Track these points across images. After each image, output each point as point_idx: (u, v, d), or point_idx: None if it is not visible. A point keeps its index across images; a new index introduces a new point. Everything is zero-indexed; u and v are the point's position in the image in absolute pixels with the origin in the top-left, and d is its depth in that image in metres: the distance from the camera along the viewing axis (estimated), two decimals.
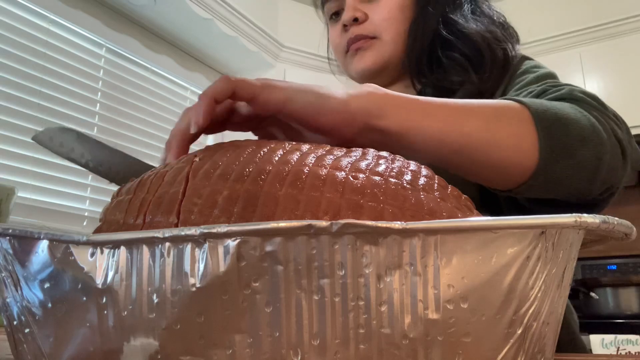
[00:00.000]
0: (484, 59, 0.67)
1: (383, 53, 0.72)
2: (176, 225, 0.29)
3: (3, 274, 0.29)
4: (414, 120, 0.42)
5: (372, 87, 0.43)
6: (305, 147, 0.33)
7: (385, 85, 0.73)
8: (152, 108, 1.94)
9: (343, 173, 0.30)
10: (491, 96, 0.65)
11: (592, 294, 2.12)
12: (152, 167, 0.41)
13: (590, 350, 1.65)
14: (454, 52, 0.69)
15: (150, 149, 1.92)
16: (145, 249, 0.25)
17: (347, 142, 0.42)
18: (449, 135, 0.43)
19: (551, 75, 0.62)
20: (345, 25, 0.74)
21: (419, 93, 0.71)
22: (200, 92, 0.39)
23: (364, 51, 0.73)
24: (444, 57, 0.70)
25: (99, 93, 1.74)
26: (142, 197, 0.32)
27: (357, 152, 0.34)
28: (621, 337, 1.68)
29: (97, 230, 0.32)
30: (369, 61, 0.73)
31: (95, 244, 0.25)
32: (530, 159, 0.45)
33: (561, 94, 0.53)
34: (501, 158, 0.45)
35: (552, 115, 0.47)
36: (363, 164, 0.31)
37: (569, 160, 0.46)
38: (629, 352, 1.64)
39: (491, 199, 0.59)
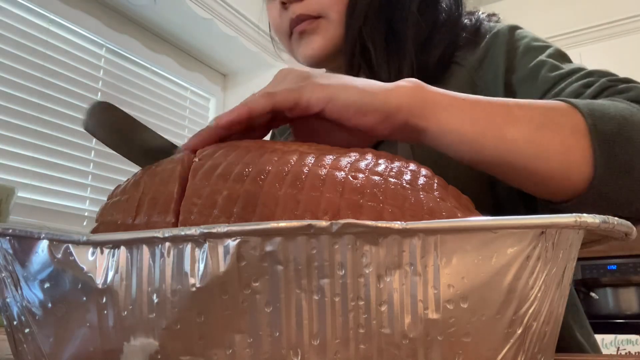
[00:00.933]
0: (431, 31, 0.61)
1: (332, 35, 0.63)
2: (173, 225, 0.29)
3: (3, 274, 0.29)
4: (454, 122, 0.40)
5: (412, 83, 0.41)
6: (304, 147, 0.33)
7: (336, 70, 0.68)
8: (152, 108, 1.94)
9: (342, 173, 0.30)
10: (478, 72, 0.60)
11: (592, 294, 2.12)
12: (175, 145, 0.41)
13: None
14: (398, 25, 0.62)
15: None
16: (145, 248, 0.25)
17: (384, 138, 0.41)
18: (489, 141, 0.40)
19: (564, 55, 0.57)
20: (283, 3, 0.64)
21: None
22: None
23: (310, 35, 0.64)
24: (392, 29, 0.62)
25: (99, 93, 1.74)
26: (137, 197, 0.32)
27: (357, 152, 0.34)
28: (621, 337, 1.68)
29: (95, 231, 0.32)
30: (317, 46, 0.64)
31: (95, 244, 0.25)
32: (581, 175, 0.41)
33: (630, 95, 0.46)
34: (546, 171, 0.41)
35: (614, 126, 0.41)
36: (362, 164, 0.31)
37: (630, 180, 0.41)
38: (629, 352, 1.64)
39: (508, 200, 0.57)
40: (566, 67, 0.54)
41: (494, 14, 0.67)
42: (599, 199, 0.41)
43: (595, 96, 0.48)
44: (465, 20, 0.65)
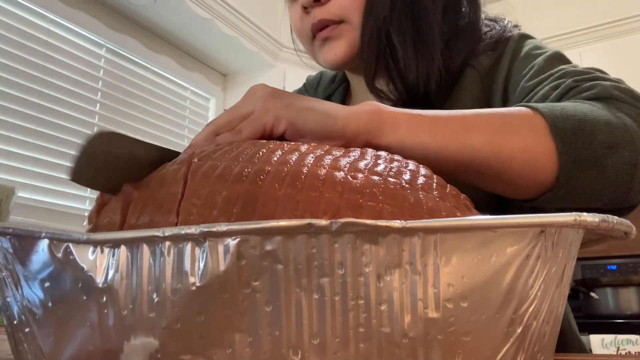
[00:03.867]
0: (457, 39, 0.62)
1: (354, 38, 0.63)
2: (176, 225, 0.29)
3: (3, 274, 0.29)
4: (412, 136, 0.41)
5: (371, 106, 0.42)
6: (304, 147, 0.33)
7: (354, 71, 0.69)
8: (152, 108, 1.94)
9: (342, 173, 0.30)
10: (489, 79, 0.61)
11: (592, 294, 2.12)
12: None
13: (590, 350, 1.65)
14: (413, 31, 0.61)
15: None
16: (145, 247, 0.25)
17: None
18: (450, 150, 0.41)
19: (560, 57, 0.58)
20: (305, 7, 0.64)
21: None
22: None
23: (333, 40, 0.64)
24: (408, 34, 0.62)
25: (99, 93, 1.74)
26: (142, 198, 0.32)
27: (356, 152, 0.34)
28: (621, 337, 1.68)
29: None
30: (340, 51, 0.64)
31: (96, 243, 0.25)
32: (547, 172, 0.42)
33: (592, 93, 0.48)
34: (513, 172, 0.42)
35: (574, 123, 0.43)
36: (362, 164, 0.31)
37: (596, 171, 0.42)
38: (629, 352, 1.64)
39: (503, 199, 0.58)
40: (549, 69, 0.55)
41: (516, 25, 0.68)
42: (569, 192, 0.43)
43: (560, 97, 0.50)
44: (488, 26, 0.66)
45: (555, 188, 0.43)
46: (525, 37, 0.64)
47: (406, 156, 0.40)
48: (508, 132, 0.42)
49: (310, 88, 0.84)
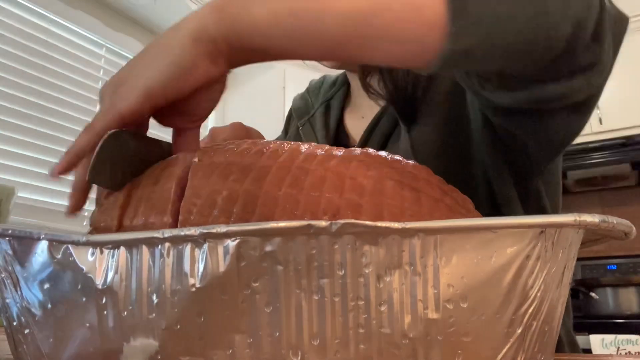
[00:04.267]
0: None
1: None
2: (171, 225, 0.29)
3: (3, 275, 0.29)
4: (278, 9, 0.34)
5: (213, 4, 0.36)
6: (304, 147, 0.33)
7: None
8: None
9: (342, 173, 0.30)
10: None
11: (592, 294, 2.12)
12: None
13: (590, 350, 1.65)
14: None
15: None
16: (145, 249, 0.24)
17: (218, 81, 0.37)
18: (324, 24, 0.34)
19: None
20: None
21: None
22: None
23: None
24: None
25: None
26: (136, 199, 0.32)
27: (357, 152, 0.34)
28: (621, 337, 1.68)
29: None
30: None
31: (95, 245, 0.25)
32: (435, 7, 0.34)
33: None
34: (395, 23, 0.34)
35: None
36: (362, 164, 0.31)
37: (494, 31, 0.35)
38: (629, 352, 1.64)
39: (503, 197, 0.57)
40: None
41: None
42: (469, 27, 0.34)
43: None
44: None
45: (452, 22, 0.34)
46: None
47: (276, 41, 0.35)
48: None
49: (312, 93, 0.83)
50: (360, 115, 0.70)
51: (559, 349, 0.62)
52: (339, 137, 0.71)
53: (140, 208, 0.30)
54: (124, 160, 0.34)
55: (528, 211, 0.58)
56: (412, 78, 0.60)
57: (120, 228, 0.31)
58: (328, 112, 0.74)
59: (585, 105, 0.45)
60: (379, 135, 0.64)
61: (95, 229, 0.32)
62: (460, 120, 0.57)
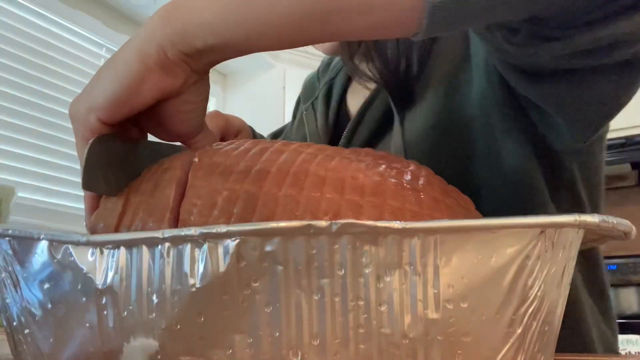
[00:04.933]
0: None
1: None
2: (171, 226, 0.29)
3: (3, 275, 0.29)
4: (227, 23, 0.32)
5: (161, 10, 0.34)
6: (304, 147, 0.33)
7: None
8: None
9: (343, 173, 0.30)
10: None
11: None
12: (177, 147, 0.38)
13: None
14: None
15: None
16: (145, 249, 0.25)
17: (180, 94, 0.34)
18: (284, 13, 0.31)
19: None
20: None
21: None
22: None
23: None
24: None
25: None
26: (134, 205, 0.31)
27: (357, 152, 0.34)
28: (621, 337, 1.68)
29: None
30: None
31: (95, 245, 0.25)
32: None
33: None
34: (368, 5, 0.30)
35: None
36: (362, 165, 0.31)
37: None
38: (629, 352, 1.64)
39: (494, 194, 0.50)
40: None
41: None
42: (456, 8, 0.30)
43: None
44: None
45: (429, 12, 0.29)
46: None
47: (235, 49, 0.33)
48: None
49: (322, 73, 0.77)
50: (362, 94, 0.64)
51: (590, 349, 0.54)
52: (340, 118, 0.66)
53: (138, 214, 0.30)
54: (115, 163, 0.33)
55: (560, 205, 0.50)
56: (404, 51, 0.53)
57: (119, 228, 0.31)
58: (330, 92, 0.69)
59: None
60: (371, 119, 0.58)
61: (93, 233, 0.32)
62: (460, 106, 0.50)
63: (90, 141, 0.32)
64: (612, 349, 0.57)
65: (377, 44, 0.54)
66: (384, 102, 0.57)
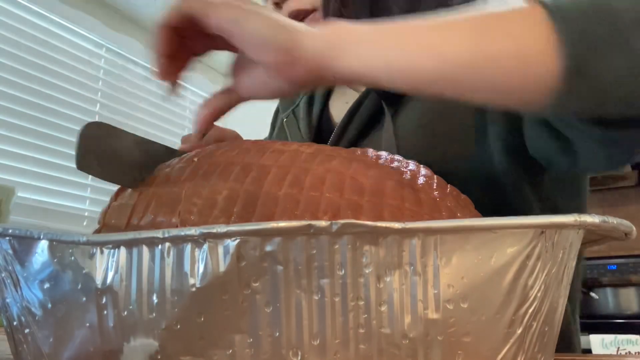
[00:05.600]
0: None
1: None
2: (178, 227, 0.29)
3: (3, 275, 0.29)
4: (377, 55, 0.35)
5: (333, 24, 0.36)
6: (304, 147, 0.33)
7: None
8: (152, 108, 1.94)
9: (342, 173, 0.30)
10: None
11: (592, 294, 2.12)
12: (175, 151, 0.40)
13: (590, 350, 1.65)
14: None
15: None
16: (145, 249, 0.24)
17: (302, 84, 0.36)
18: (424, 65, 0.34)
19: None
20: (277, 3, 0.61)
21: None
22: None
23: None
24: None
25: (99, 93, 1.74)
26: (146, 198, 0.32)
27: (357, 152, 0.34)
28: (621, 337, 1.68)
29: (97, 233, 0.32)
30: None
31: (96, 245, 0.25)
32: (547, 63, 0.33)
33: None
34: (506, 77, 0.34)
35: (583, 0, 0.33)
36: (362, 164, 0.31)
37: (622, 54, 0.32)
38: (629, 352, 1.64)
39: (498, 193, 0.52)
40: None
41: None
42: (584, 87, 0.33)
43: None
44: None
45: (565, 80, 0.33)
46: None
47: (369, 78, 0.36)
48: (494, 29, 0.34)
49: (288, 97, 0.81)
50: (345, 101, 0.67)
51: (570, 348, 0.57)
52: (322, 126, 0.68)
53: (150, 207, 0.30)
54: (108, 149, 0.34)
55: (544, 206, 0.53)
56: None
57: (127, 226, 0.31)
58: (312, 100, 0.71)
59: None
60: (361, 119, 0.60)
61: (105, 225, 0.32)
62: (453, 107, 0.51)
63: (84, 125, 0.34)
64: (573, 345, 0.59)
65: None
66: (374, 102, 0.58)
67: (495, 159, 0.52)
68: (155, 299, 0.24)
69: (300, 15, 0.61)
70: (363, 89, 0.61)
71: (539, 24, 0.33)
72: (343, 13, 0.57)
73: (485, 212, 0.34)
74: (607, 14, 0.33)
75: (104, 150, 0.34)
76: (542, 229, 0.23)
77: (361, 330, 0.23)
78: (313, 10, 0.60)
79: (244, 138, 0.69)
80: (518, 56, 0.34)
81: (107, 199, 0.35)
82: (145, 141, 0.39)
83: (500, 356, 0.24)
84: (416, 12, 0.55)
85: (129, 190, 0.33)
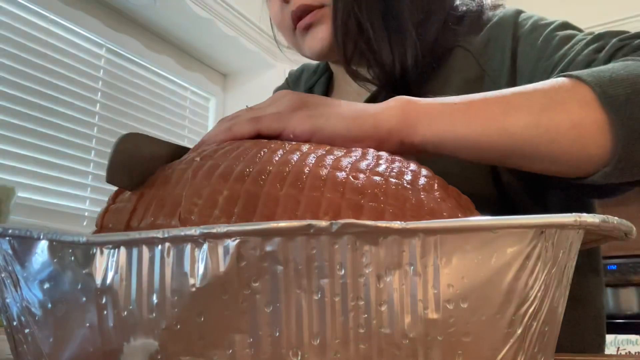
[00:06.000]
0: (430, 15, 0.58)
1: None
2: (178, 226, 0.29)
3: (3, 275, 0.29)
4: (450, 129, 0.39)
5: (401, 101, 0.41)
6: (305, 147, 0.33)
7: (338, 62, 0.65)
8: (152, 108, 1.94)
9: (343, 173, 0.30)
10: (485, 57, 0.58)
11: None
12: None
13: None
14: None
15: None
16: (145, 249, 0.25)
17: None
18: (491, 137, 0.39)
19: (572, 25, 0.55)
20: None
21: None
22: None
23: (316, 26, 0.60)
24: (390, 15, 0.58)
25: (99, 93, 1.74)
26: (146, 199, 0.31)
27: (357, 152, 0.34)
28: (621, 337, 1.68)
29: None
30: (326, 36, 0.60)
31: (96, 245, 0.25)
32: (599, 147, 0.38)
33: None
34: (560, 151, 0.39)
35: (627, 87, 0.38)
36: (363, 164, 0.31)
37: None
38: (629, 352, 1.64)
39: (509, 194, 0.55)
40: (574, 35, 0.52)
41: (500, 5, 0.64)
42: (627, 167, 0.39)
43: (608, 59, 0.46)
44: (460, 1, 0.63)
45: (614, 162, 0.38)
46: (521, 11, 0.61)
47: (444, 150, 0.40)
48: (551, 110, 0.39)
49: (292, 82, 0.82)
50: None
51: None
52: None
53: (150, 209, 0.30)
54: (140, 161, 0.35)
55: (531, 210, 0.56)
56: (399, 58, 0.57)
57: (127, 229, 0.31)
58: None
59: None
60: None
61: (103, 228, 0.32)
62: None
63: (122, 136, 0.34)
64: None
65: (372, 49, 0.58)
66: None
67: (502, 174, 0.54)
68: (155, 299, 0.24)
69: (307, 11, 0.60)
70: (363, 91, 0.62)
71: (592, 107, 0.38)
72: (354, 13, 0.58)
73: None
74: None
75: (136, 162, 0.34)
76: (542, 228, 0.23)
77: (361, 330, 0.23)
78: (321, 6, 0.60)
79: None
80: (574, 136, 0.38)
81: (107, 199, 0.35)
82: (180, 148, 0.39)
83: (500, 356, 0.24)
84: (427, 19, 0.58)
85: (128, 193, 0.33)
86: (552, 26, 0.55)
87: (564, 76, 0.41)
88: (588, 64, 0.47)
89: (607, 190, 0.45)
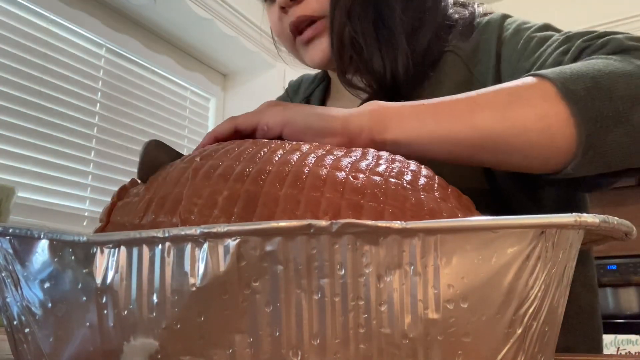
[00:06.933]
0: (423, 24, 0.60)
1: None
2: (179, 226, 0.29)
3: (3, 274, 0.29)
4: (418, 127, 0.41)
5: (374, 105, 0.42)
6: (305, 147, 0.33)
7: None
8: (152, 108, 1.94)
9: (343, 173, 0.30)
10: (474, 61, 0.60)
11: None
12: None
13: None
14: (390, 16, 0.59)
15: None
16: (145, 248, 0.25)
17: None
18: (460, 135, 0.41)
19: (552, 27, 0.56)
20: (283, 7, 0.63)
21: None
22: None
23: (318, 38, 0.62)
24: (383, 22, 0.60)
25: (99, 93, 1.74)
26: (147, 197, 0.32)
27: (357, 152, 0.34)
28: (621, 337, 1.68)
29: (101, 231, 0.32)
30: (327, 47, 0.61)
31: (96, 244, 0.25)
32: (566, 138, 0.40)
33: (607, 49, 0.46)
34: (530, 145, 0.41)
35: (587, 81, 0.40)
36: (363, 164, 0.31)
37: (622, 128, 0.40)
38: (629, 352, 1.64)
39: (502, 193, 0.56)
40: (550, 37, 0.53)
41: (491, 12, 0.66)
42: (597, 155, 0.40)
43: (574, 61, 0.47)
44: (453, 10, 0.64)
45: (581, 153, 0.40)
46: (507, 16, 0.62)
47: (414, 148, 0.41)
48: (517, 105, 0.41)
49: (292, 92, 0.84)
50: (341, 105, 0.68)
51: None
52: None
53: (151, 206, 0.30)
54: (163, 164, 0.38)
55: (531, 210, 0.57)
56: (390, 67, 0.59)
57: (130, 226, 0.31)
58: (309, 104, 0.73)
59: None
60: None
61: (111, 222, 0.32)
62: None
63: (150, 140, 0.38)
64: None
65: (363, 57, 0.60)
66: None
67: (497, 173, 0.54)
68: (155, 298, 0.24)
69: (305, 22, 0.62)
70: (362, 94, 0.62)
71: (555, 101, 0.40)
72: (348, 24, 0.59)
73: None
74: (607, 92, 0.40)
75: (159, 164, 0.38)
76: (542, 229, 0.23)
77: (361, 330, 0.23)
78: (319, 18, 0.62)
79: None
80: (540, 128, 0.40)
81: (108, 199, 0.36)
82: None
83: (500, 356, 0.24)
84: (419, 28, 0.59)
85: (133, 189, 0.34)
86: (532, 29, 0.57)
87: (529, 75, 0.43)
88: (556, 65, 0.48)
89: (591, 183, 0.46)
